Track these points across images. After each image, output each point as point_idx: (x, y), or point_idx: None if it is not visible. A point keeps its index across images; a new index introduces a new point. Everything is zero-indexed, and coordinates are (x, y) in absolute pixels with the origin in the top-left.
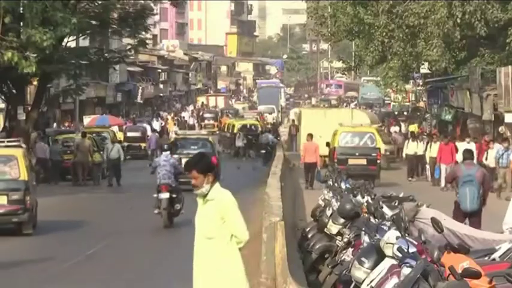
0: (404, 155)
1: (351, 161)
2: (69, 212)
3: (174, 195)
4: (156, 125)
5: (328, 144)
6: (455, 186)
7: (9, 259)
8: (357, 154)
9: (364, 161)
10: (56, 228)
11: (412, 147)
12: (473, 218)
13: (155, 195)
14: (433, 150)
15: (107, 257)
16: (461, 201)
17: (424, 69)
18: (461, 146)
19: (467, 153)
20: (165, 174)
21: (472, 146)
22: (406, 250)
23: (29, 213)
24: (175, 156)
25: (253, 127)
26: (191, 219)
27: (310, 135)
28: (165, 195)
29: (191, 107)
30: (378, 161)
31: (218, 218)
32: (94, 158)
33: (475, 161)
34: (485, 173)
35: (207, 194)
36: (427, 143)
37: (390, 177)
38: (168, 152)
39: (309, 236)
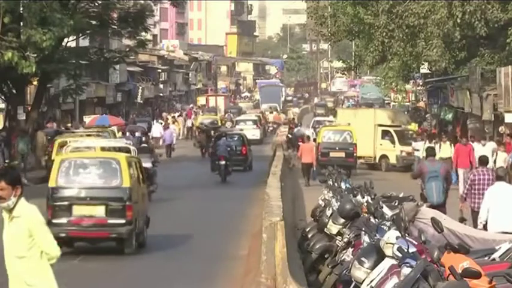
0: (420, 157)
1: (332, 154)
2: None
3: (228, 163)
4: (158, 126)
5: (314, 140)
6: (421, 182)
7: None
8: (337, 148)
9: (343, 154)
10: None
11: None
12: (440, 210)
13: (216, 162)
14: (443, 151)
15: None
16: (429, 195)
17: (424, 69)
18: (476, 147)
19: (430, 150)
20: (222, 150)
21: (489, 148)
22: (406, 250)
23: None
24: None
25: (214, 122)
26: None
27: (307, 137)
28: (222, 162)
29: (193, 108)
30: (355, 154)
31: (27, 236)
32: None
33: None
34: (448, 168)
35: (13, 209)
36: (436, 143)
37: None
38: (225, 137)
39: (309, 236)
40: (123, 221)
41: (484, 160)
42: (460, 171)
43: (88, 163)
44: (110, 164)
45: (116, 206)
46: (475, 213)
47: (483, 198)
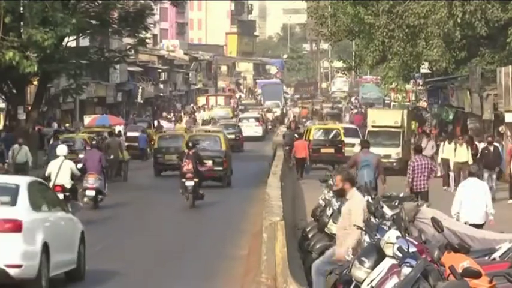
0: (439, 160)
1: (323, 150)
2: None
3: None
4: (166, 124)
5: (303, 136)
6: (355, 171)
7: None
8: (327, 145)
9: (332, 150)
10: None
11: (449, 152)
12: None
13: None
14: (459, 154)
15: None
16: (360, 181)
17: (425, 69)
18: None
19: (365, 143)
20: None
21: None
22: (406, 250)
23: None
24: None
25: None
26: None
27: (300, 134)
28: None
29: (193, 107)
30: (343, 150)
31: None
32: (124, 156)
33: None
34: (379, 159)
35: None
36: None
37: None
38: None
39: (309, 235)
40: (221, 168)
41: (418, 149)
42: None
43: (203, 137)
44: (215, 137)
45: (218, 160)
46: (414, 194)
47: (422, 179)
